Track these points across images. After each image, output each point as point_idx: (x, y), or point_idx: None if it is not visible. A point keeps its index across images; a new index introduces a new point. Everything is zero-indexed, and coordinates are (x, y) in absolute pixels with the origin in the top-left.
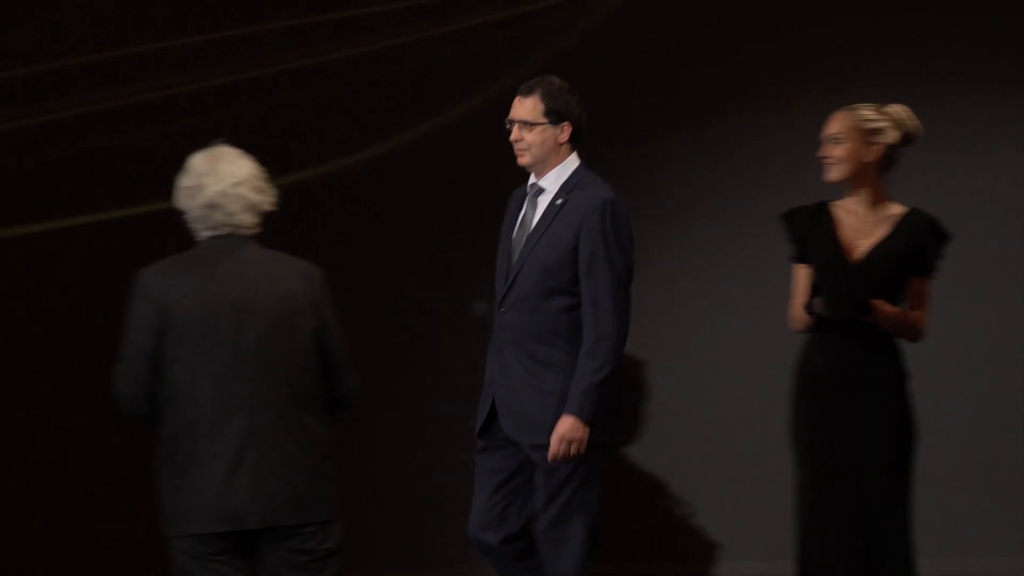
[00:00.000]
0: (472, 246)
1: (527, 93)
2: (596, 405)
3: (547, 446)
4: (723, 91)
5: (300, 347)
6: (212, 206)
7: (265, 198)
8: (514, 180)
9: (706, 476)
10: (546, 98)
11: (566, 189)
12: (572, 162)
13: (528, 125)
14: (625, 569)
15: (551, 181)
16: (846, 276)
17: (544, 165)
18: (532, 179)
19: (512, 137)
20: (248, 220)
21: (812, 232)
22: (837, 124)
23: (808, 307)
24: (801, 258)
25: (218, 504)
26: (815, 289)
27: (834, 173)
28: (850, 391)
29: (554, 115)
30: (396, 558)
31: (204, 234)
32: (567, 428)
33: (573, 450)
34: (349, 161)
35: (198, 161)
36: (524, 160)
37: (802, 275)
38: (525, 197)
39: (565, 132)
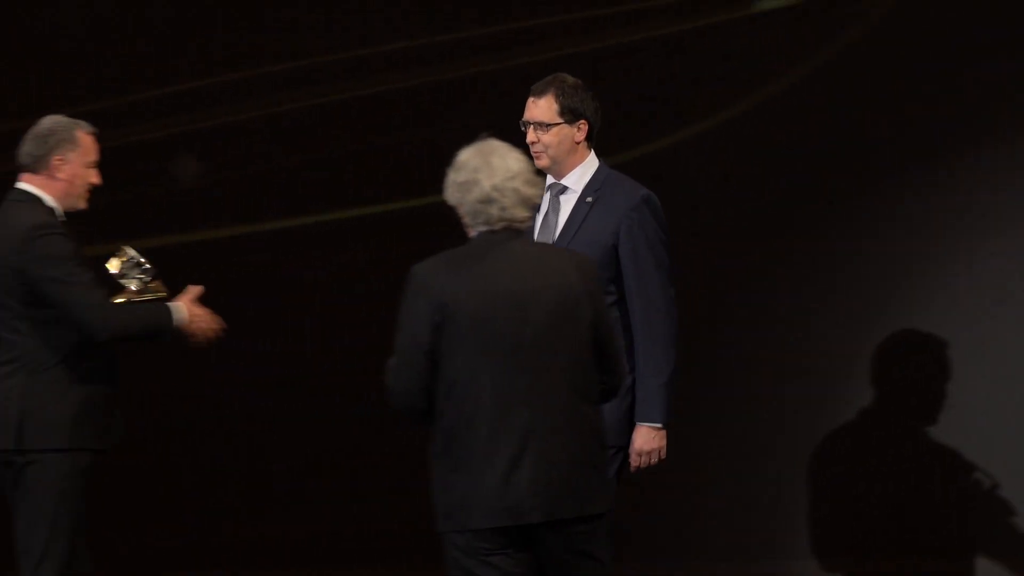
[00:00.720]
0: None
1: (540, 94)
2: (667, 406)
3: None
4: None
5: (578, 339)
6: (487, 201)
7: (537, 191)
8: (808, 166)
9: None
10: (560, 97)
11: (593, 187)
12: (593, 160)
13: (544, 126)
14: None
15: (575, 180)
16: None
17: (563, 165)
18: (549, 179)
19: (528, 140)
20: (521, 214)
21: None
22: None
23: None
24: None
25: (500, 498)
26: None
27: None
28: None
29: (569, 114)
30: (676, 548)
31: (478, 229)
32: (643, 440)
33: (655, 460)
34: (637, 153)
35: (469, 156)
36: (542, 162)
37: None
38: (545, 197)
39: (582, 130)
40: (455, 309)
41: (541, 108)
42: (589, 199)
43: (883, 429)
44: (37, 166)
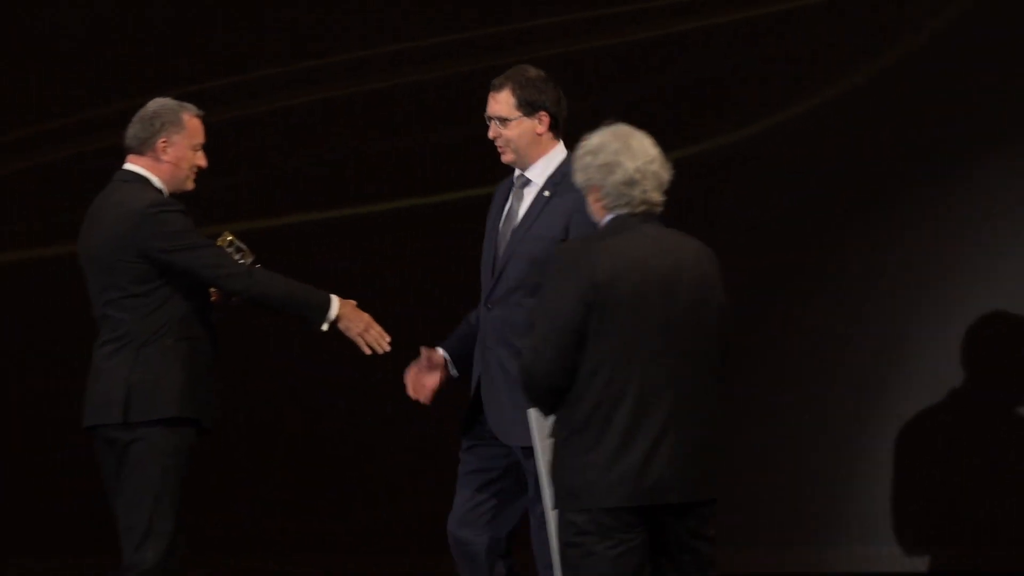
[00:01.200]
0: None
1: (499, 88)
2: None
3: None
4: None
5: (711, 324)
6: (630, 183)
7: (669, 176)
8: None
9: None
10: (517, 90)
11: (554, 180)
12: (559, 152)
13: (503, 121)
14: None
15: (538, 172)
16: None
17: (527, 158)
18: (517, 171)
19: (490, 135)
20: (658, 197)
21: None
22: None
23: None
24: None
25: (641, 478)
26: None
27: None
28: None
29: (527, 107)
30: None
31: (616, 212)
32: None
33: None
34: (743, 134)
35: (606, 138)
36: (507, 157)
37: None
38: (511, 189)
39: (543, 122)
40: (608, 289)
41: (500, 102)
42: (547, 193)
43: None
44: (143, 148)
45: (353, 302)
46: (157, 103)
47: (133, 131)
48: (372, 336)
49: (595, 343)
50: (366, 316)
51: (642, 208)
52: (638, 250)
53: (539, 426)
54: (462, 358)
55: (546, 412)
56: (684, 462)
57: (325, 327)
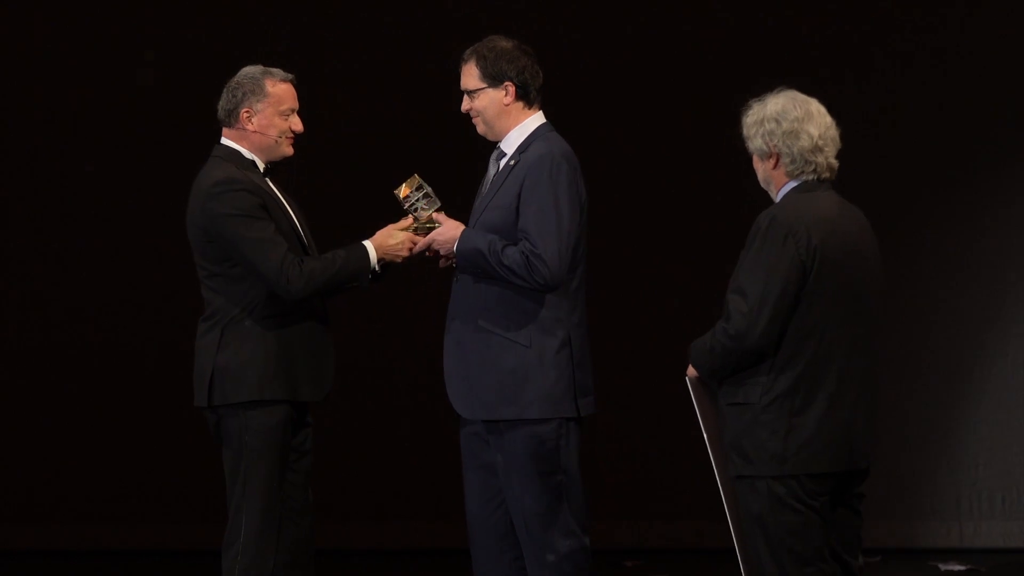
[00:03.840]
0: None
1: (466, 60)
2: (473, 257)
3: (500, 422)
4: None
5: (878, 294)
6: (816, 150)
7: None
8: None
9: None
10: (480, 62)
11: (520, 150)
12: (533, 122)
13: (471, 93)
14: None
15: (510, 144)
16: None
17: (498, 129)
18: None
19: (463, 108)
20: (835, 164)
21: None
22: None
23: None
24: None
25: (842, 443)
26: None
27: None
28: None
29: (491, 78)
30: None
31: (800, 178)
32: (446, 232)
33: (435, 249)
34: None
35: (786, 104)
36: (480, 129)
37: None
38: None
39: (509, 93)
40: (820, 253)
41: (466, 74)
42: (512, 162)
43: None
44: (230, 120)
45: (384, 232)
46: (242, 71)
47: (220, 104)
48: (418, 249)
49: (806, 308)
50: (402, 238)
51: (827, 175)
52: (834, 216)
53: (698, 395)
54: None
55: (724, 377)
56: (869, 429)
57: (374, 277)
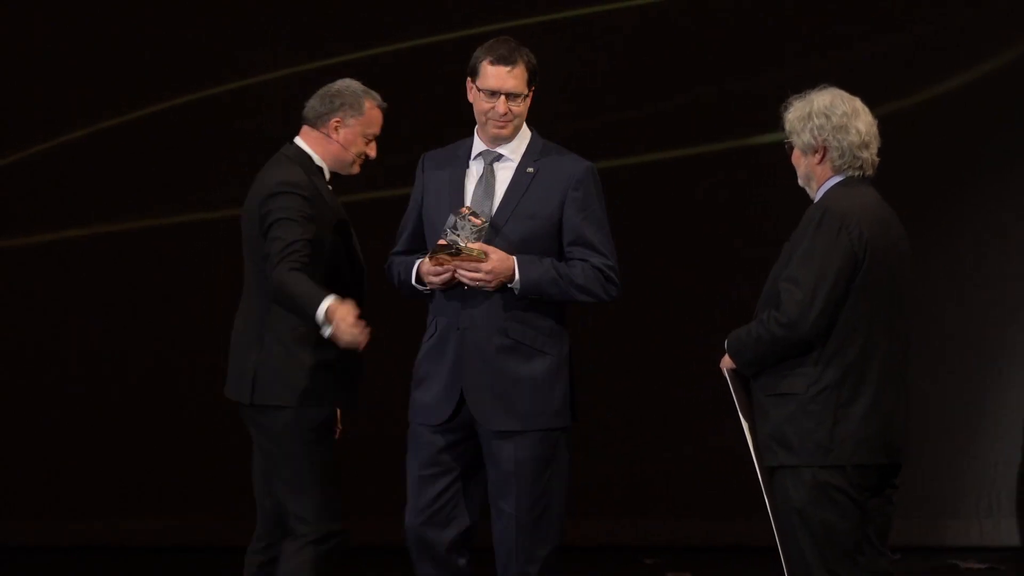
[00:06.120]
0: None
1: (513, 63)
2: (535, 285)
3: (521, 432)
4: None
5: (912, 294)
6: (863, 146)
7: None
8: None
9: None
10: (528, 66)
11: (532, 156)
12: (527, 129)
13: (518, 97)
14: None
15: (512, 149)
16: None
17: (515, 135)
18: (479, 145)
19: (501, 110)
20: (877, 161)
21: None
22: None
23: None
24: None
25: (885, 436)
26: None
27: None
28: None
29: (530, 85)
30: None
31: (846, 173)
32: (499, 262)
33: (481, 277)
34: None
35: (835, 100)
36: (507, 131)
37: None
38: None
39: (530, 99)
40: (870, 246)
41: (517, 78)
42: (530, 169)
43: None
44: (317, 122)
45: (344, 311)
46: (343, 83)
47: (312, 103)
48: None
49: (857, 299)
50: (352, 331)
51: (871, 172)
52: (879, 211)
53: (736, 387)
54: None
55: (763, 368)
56: (906, 424)
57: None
